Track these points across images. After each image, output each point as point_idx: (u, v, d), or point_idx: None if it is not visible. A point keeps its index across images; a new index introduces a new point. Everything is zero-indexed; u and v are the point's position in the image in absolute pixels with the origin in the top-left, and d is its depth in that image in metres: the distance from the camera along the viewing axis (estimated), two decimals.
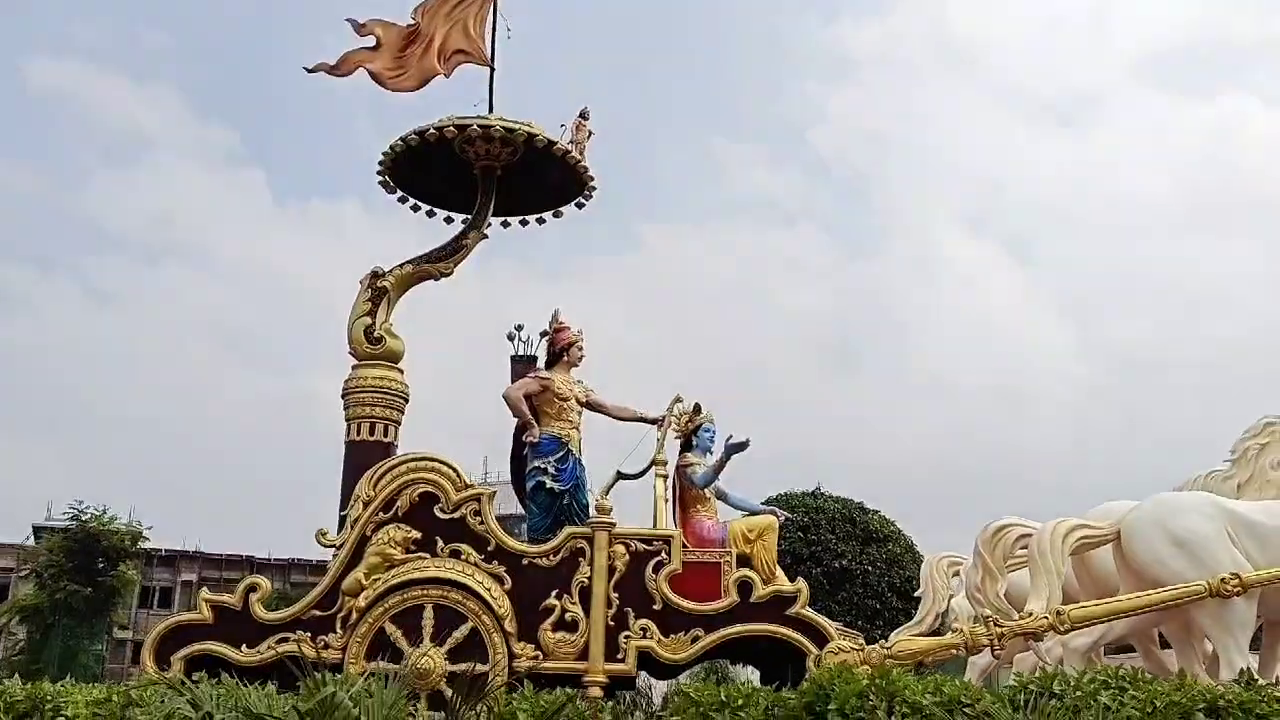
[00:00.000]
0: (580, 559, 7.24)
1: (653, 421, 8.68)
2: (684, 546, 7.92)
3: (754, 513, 8.67)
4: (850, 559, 17.57)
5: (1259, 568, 7.14)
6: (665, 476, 8.28)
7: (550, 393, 8.40)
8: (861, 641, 7.09)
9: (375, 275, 8.97)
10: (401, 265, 9.01)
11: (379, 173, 9.35)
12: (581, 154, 9.43)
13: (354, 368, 8.69)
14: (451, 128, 8.68)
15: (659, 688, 10.52)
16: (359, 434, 8.41)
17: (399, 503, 7.38)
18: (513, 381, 8.63)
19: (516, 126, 8.77)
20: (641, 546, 7.27)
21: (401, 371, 8.80)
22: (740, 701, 5.75)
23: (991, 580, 7.69)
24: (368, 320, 8.75)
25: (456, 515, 7.36)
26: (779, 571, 8.43)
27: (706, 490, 8.43)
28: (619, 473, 8.49)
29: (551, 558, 7.27)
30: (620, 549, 7.25)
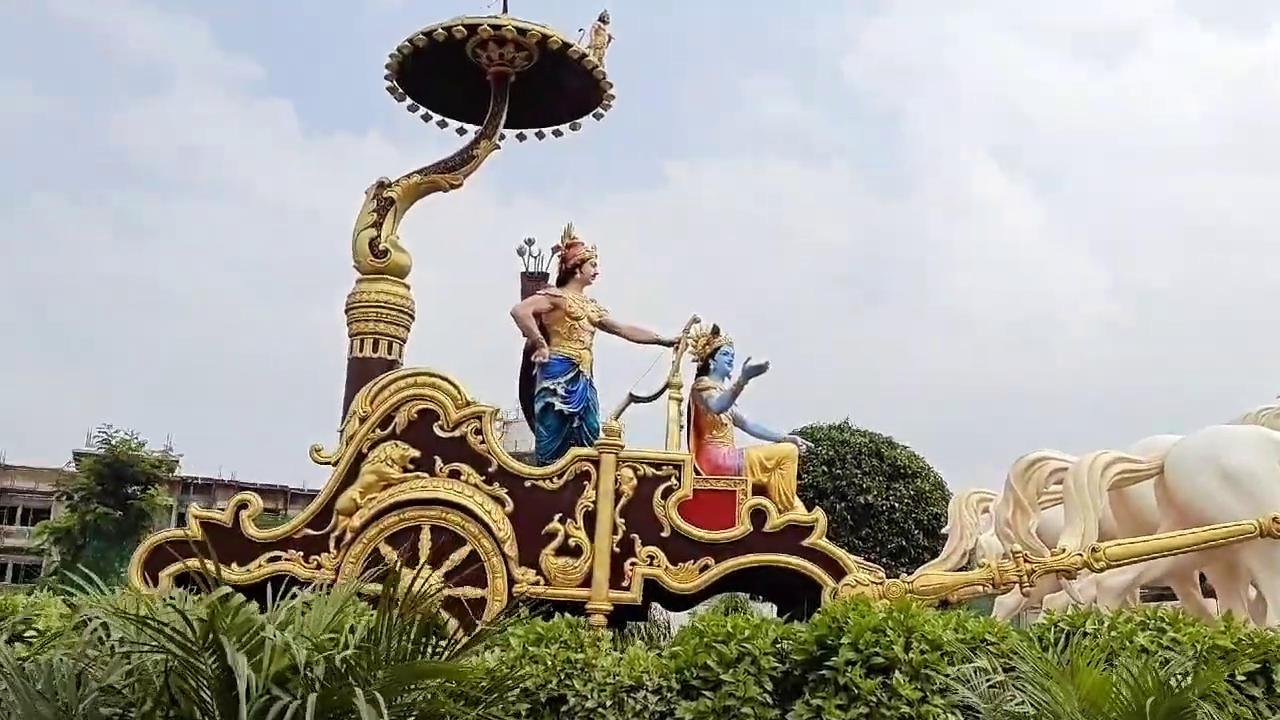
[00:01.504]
0: (586, 482, 6.87)
1: (668, 344, 8.27)
2: (696, 473, 7.56)
3: (774, 441, 8.25)
4: (876, 494, 17.07)
5: None
6: (680, 400, 7.87)
7: (561, 311, 7.99)
8: (881, 575, 6.69)
9: (381, 185, 8.56)
10: (409, 175, 8.59)
11: (386, 78, 8.89)
12: (600, 60, 8.91)
13: (358, 281, 8.33)
14: (461, 28, 8.18)
15: (680, 621, 10.23)
16: (361, 350, 8.07)
17: (397, 419, 7.04)
18: (522, 299, 8.23)
19: (530, 27, 8.25)
20: (651, 471, 6.88)
21: (408, 286, 8.42)
22: (747, 633, 5.38)
23: (1024, 515, 7.26)
24: (373, 232, 8.36)
25: (457, 434, 7.01)
26: (797, 503, 8.03)
27: (722, 416, 8.02)
28: (632, 395, 8.10)
29: (556, 480, 6.91)
30: (628, 473, 6.86)
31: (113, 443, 28.94)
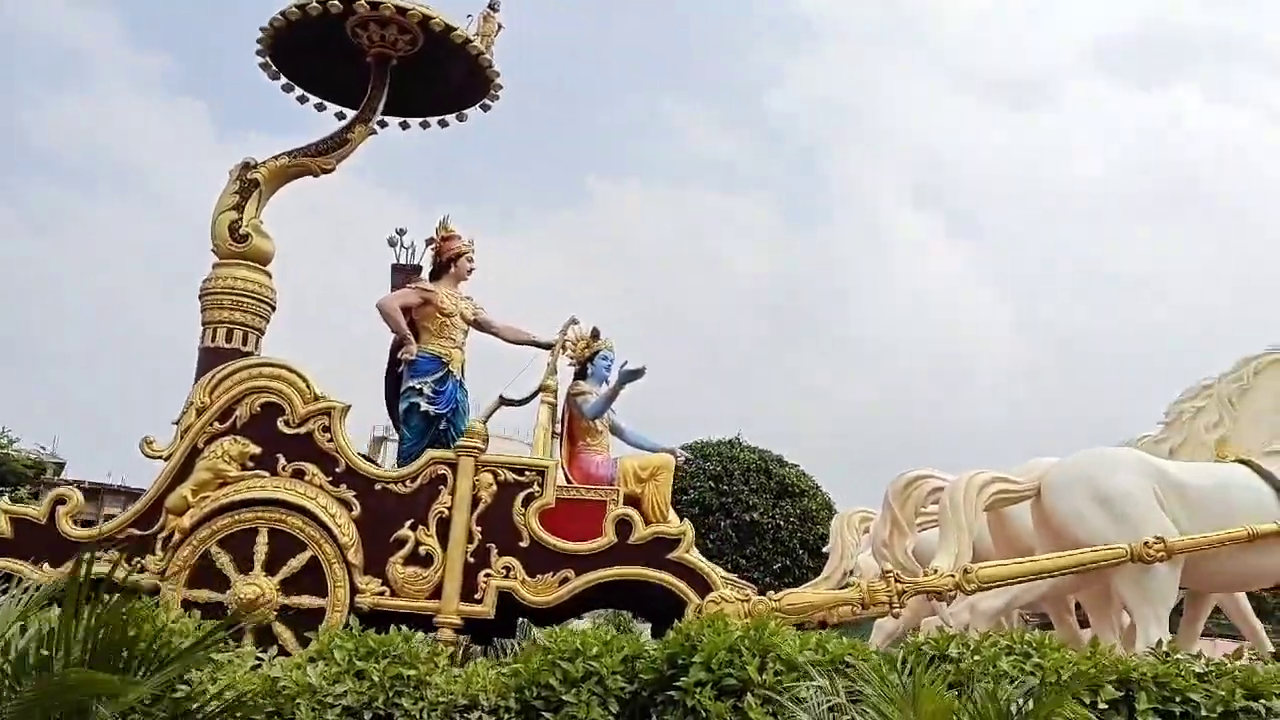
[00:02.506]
0: (441, 487, 6.43)
1: (545, 346, 7.89)
2: (568, 481, 7.19)
3: (652, 451, 7.92)
4: (762, 512, 16.79)
5: (1186, 534, 6.53)
6: (553, 404, 7.49)
7: (432, 306, 7.57)
8: (749, 593, 6.37)
9: (246, 166, 8.02)
10: (276, 157, 8.07)
11: (258, 52, 8.36)
12: (488, 49, 8.53)
13: (214, 266, 7.75)
14: (336, 3, 7.70)
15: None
16: (214, 340, 7.47)
17: (238, 412, 6.51)
18: (392, 292, 7.78)
19: (410, 7, 7.81)
20: (511, 476, 6.47)
21: (269, 275, 7.87)
22: (595, 650, 5.01)
23: (900, 535, 7.01)
24: (234, 215, 7.80)
25: (303, 430, 6.51)
26: (672, 515, 7.71)
27: (598, 423, 7.66)
28: (502, 397, 7.68)
29: (409, 484, 6.45)
30: (487, 478, 6.44)
31: None
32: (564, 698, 4.81)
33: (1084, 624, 8.04)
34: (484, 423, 7.59)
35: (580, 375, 7.86)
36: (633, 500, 7.52)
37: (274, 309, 7.86)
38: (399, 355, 7.57)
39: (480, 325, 7.92)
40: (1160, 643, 5.51)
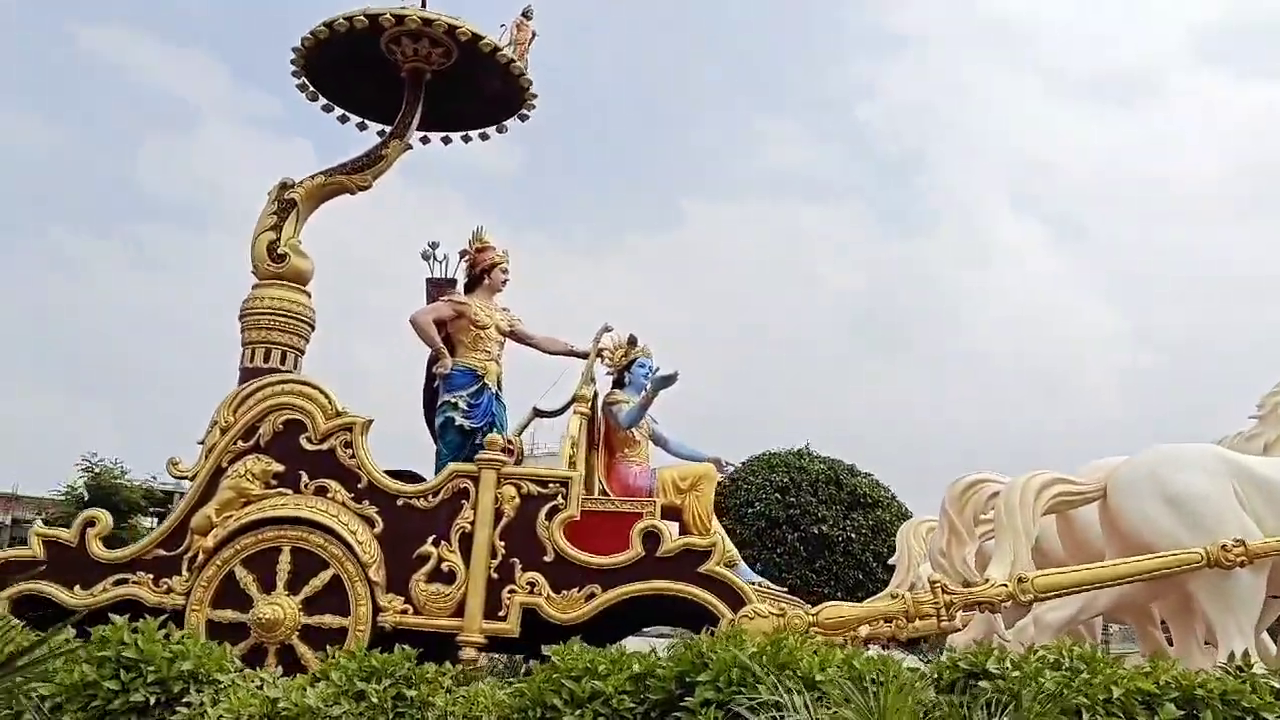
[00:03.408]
0: (464, 501, 6.25)
1: (582, 355, 7.67)
2: (606, 493, 6.96)
3: (695, 460, 7.63)
4: (832, 524, 16.05)
5: (1271, 534, 5.93)
6: (585, 415, 7.25)
7: (466, 319, 7.45)
8: (783, 606, 6.01)
9: (284, 186, 8.01)
10: (313, 176, 8.06)
11: (294, 74, 8.40)
12: (521, 58, 8.40)
13: (254, 287, 7.76)
14: (362, 18, 7.68)
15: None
16: (253, 360, 7.45)
17: (261, 430, 6.46)
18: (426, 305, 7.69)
19: (436, 18, 7.73)
20: (535, 489, 6.25)
21: (309, 295, 7.85)
22: (603, 669, 4.75)
23: (959, 543, 6.58)
24: (272, 235, 7.79)
25: (325, 446, 6.42)
26: (716, 526, 7.41)
27: (635, 433, 7.42)
28: (536, 409, 7.50)
29: (431, 499, 6.29)
30: (510, 491, 6.24)
31: (95, 471, 28.41)
32: (566, 719, 4.56)
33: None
34: (518, 435, 7.45)
35: (618, 384, 7.63)
36: (673, 512, 7.26)
37: (313, 328, 7.82)
38: (433, 369, 7.47)
39: (517, 337, 7.76)
40: (1233, 655, 4.98)
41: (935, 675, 4.79)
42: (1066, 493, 6.34)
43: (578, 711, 4.59)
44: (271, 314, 7.55)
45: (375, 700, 4.69)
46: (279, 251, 7.74)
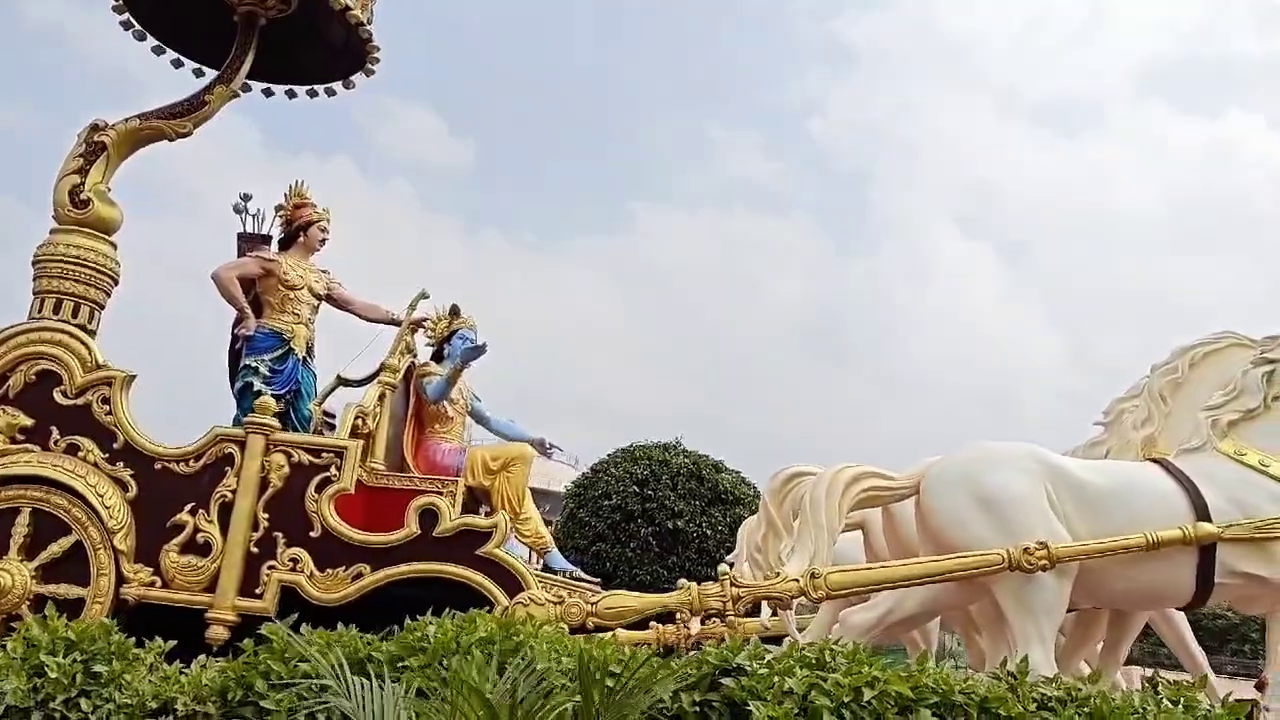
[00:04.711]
0: (228, 468, 5.76)
1: (398, 323, 7.22)
2: (413, 469, 6.55)
3: (518, 440, 7.22)
4: (688, 519, 15.63)
5: (1082, 538, 5.64)
6: (392, 385, 6.79)
7: (275, 278, 6.99)
8: (562, 594, 5.60)
9: (94, 128, 7.46)
10: (127, 120, 7.50)
11: (114, 7, 7.83)
12: (364, 9, 7.92)
13: (51, 232, 7.18)
14: None
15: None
16: (40, 310, 6.88)
17: (11, 381, 5.92)
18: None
19: None
20: (306, 458, 5.78)
21: (114, 246, 7.29)
22: (317, 650, 4.29)
23: (776, 538, 6.21)
24: (76, 179, 7.20)
25: (80, 401, 5.89)
26: (532, 511, 7.01)
27: (448, 407, 6.99)
28: (339, 377, 7.04)
29: (193, 463, 5.79)
30: (279, 459, 5.76)
31: None
32: (263, 704, 4.10)
33: None
34: (320, 404, 6.98)
35: (437, 356, 7.21)
36: (481, 493, 6.85)
37: (116, 281, 7.25)
38: (235, 330, 6.98)
39: (335, 301, 7.32)
40: (1005, 662, 4.64)
41: (682, 671, 4.41)
42: (877, 487, 6.01)
43: (279, 695, 4.13)
44: (66, 262, 6.96)
45: (55, 675, 4.19)
46: (82, 197, 7.17)
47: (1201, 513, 5.69)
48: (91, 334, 6.83)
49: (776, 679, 4.13)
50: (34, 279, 7.08)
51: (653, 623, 5.66)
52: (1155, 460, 6.09)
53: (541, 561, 7.07)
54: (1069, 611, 6.86)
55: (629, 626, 5.65)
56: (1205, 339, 6.78)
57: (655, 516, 15.00)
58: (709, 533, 15.34)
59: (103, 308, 7.13)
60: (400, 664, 4.16)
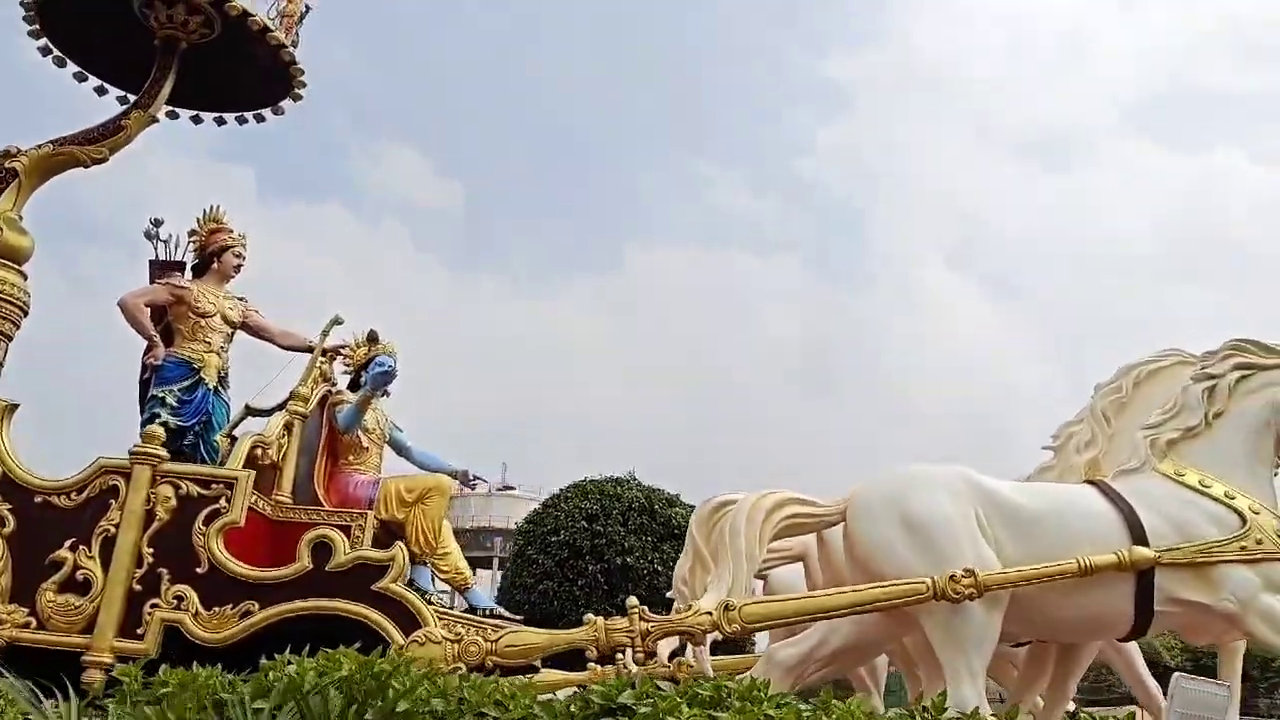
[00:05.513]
0: (111, 500, 5.46)
1: (311, 350, 6.95)
2: (315, 502, 6.24)
3: (436, 471, 6.93)
4: (639, 555, 15.07)
5: (1013, 564, 5.33)
6: (302, 415, 6.50)
7: (185, 306, 6.74)
8: (462, 631, 5.27)
9: (5, 155, 7.23)
10: (39, 145, 7.27)
11: (24, 18, 7.60)
12: (289, 32, 7.72)
13: None
14: None
15: None
16: None
17: None
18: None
19: None
20: (195, 490, 5.49)
21: (24, 276, 7.02)
22: (172, 688, 3.98)
23: (703, 569, 5.90)
24: None
25: None
26: (451, 544, 6.70)
27: (362, 437, 6.72)
28: (248, 406, 6.77)
29: (74, 496, 5.51)
30: (166, 490, 5.46)
31: None
32: None
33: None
34: (227, 435, 6.69)
35: (354, 384, 6.94)
36: (396, 526, 6.54)
37: (25, 312, 6.97)
38: (145, 359, 6.71)
39: (250, 329, 7.07)
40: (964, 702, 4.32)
41: (570, 710, 4.09)
42: (800, 514, 5.71)
43: None
44: None
45: None
46: None
47: (1139, 536, 5.40)
48: None
49: (662, 718, 3.83)
50: None
51: (591, 664, 5.33)
52: (1092, 482, 5.81)
53: (464, 599, 6.77)
54: (1019, 645, 6.57)
55: (558, 665, 5.35)
56: (1150, 357, 6.53)
57: (604, 553, 14.59)
58: (660, 569, 14.78)
59: (10, 339, 6.86)
60: (255, 706, 3.85)
